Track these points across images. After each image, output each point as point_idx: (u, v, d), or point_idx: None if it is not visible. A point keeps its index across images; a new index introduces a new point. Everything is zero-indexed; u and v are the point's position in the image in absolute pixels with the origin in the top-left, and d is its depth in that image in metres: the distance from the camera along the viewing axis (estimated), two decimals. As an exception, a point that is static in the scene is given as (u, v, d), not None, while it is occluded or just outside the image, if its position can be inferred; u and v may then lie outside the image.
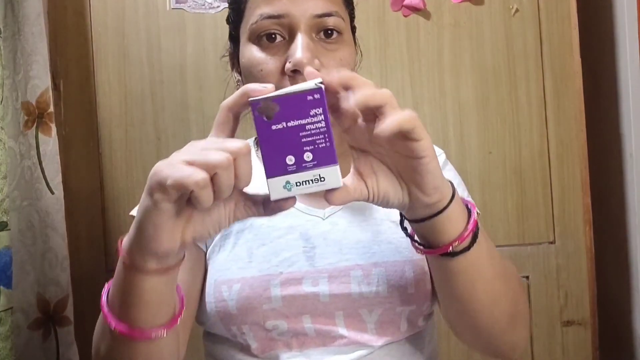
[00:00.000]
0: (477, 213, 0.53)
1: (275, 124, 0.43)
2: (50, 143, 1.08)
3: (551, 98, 1.25)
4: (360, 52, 0.75)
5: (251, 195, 0.47)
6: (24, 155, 1.06)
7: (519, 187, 1.25)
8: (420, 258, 0.65)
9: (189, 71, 1.24)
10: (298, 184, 0.44)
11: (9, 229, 1.03)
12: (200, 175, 0.40)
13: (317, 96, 0.43)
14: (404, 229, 0.56)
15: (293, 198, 0.45)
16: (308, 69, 0.48)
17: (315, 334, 0.64)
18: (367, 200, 0.48)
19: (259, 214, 0.46)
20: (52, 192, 1.08)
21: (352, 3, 0.71)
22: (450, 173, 0.75)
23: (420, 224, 0.50)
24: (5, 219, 1.02)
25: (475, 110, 1.26)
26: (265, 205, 0.46)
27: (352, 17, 0.71)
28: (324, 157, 0.44)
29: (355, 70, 0.68)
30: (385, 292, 0.63)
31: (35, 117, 1.07)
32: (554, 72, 1.25)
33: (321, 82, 0.44)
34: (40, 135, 1.07)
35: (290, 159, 0.44)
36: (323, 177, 0.44)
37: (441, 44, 1.26)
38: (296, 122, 0.43)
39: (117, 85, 1.23)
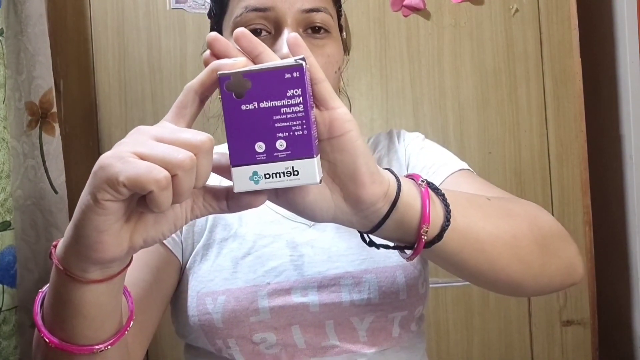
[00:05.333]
0: (424, 180, 0.46)
1: (245, 104, 0.37)
2: (53, 143, 1.08)
3: (551, 99, 1.25)
4: (348, 52, 0.72)
5: (211, 187, 0.41)
6: (27, 155, 1.07)
7: (519, 187, 1.25)
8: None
9: (189, 71, 1.24)
10: (267, 176, 0.37)
11: (13, 228, 1.04)
12: (162, 173, 0.34)
13: (296, 74, 0.37)
14: (377, 245, 0.50)
15: (263, 194, 0.39)
16: (291, 35, 0.41)
17: (306, 346, 0.62)
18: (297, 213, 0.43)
19: (221, 210, 0.41)
20: (56, 192, 1.09)
21: (339, 0, 0.68)
22: (432, 147, 0.72)
23: (386, 227, 0.44)
24: (8, 218, 1.03)
25: (475, 110, 1.26)
26: (229, 200, 0.40)
27: (339, 15, 0.68)
28: (300, 147, 0.37)
29: (341, 70, 0.66)
30: (376, 299, 0.61)
31: (38, 116, 1.07)
32: (554, 73, 1.25)
33: (303, 59, 0.38)
34: (44, 135, 1.07)
35: (260, 146, 0.37)
36: (297, 171, 0.37)
37: (441, 44, 1.25)
38: (270, 104, 0.37)
39: (117, 85, 1.24)
